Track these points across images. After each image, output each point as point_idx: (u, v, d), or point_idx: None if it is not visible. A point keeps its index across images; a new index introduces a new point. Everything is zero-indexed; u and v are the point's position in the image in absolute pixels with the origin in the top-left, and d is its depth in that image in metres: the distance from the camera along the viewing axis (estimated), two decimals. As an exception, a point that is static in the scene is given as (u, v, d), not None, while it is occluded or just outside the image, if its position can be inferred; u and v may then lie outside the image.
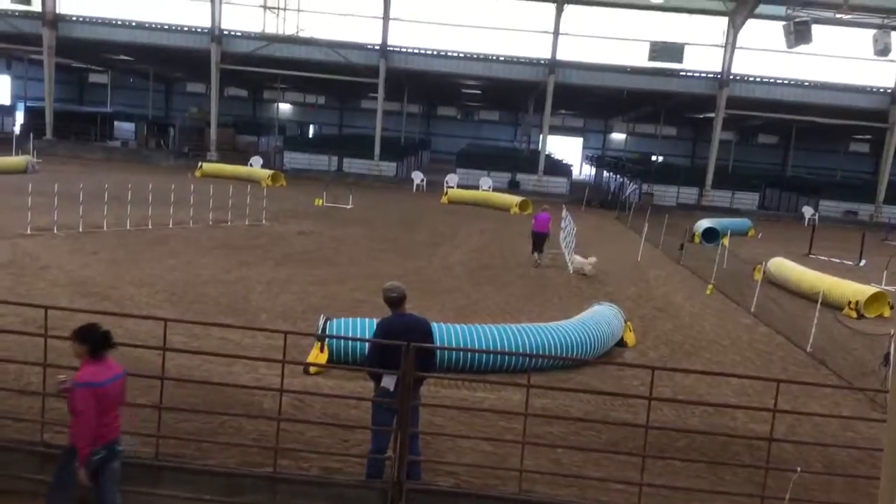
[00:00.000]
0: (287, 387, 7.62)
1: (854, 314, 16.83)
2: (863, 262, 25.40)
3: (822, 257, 25.99)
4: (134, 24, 42.09)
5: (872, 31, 35.32)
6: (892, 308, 17.53)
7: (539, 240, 20.27)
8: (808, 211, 40.26)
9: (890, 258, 22.42)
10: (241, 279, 15.34)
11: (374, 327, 7.51)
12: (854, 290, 17.68)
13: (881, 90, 41.63)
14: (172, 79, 65.67)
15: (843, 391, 11.19)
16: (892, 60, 38.99)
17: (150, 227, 20.26)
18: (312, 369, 9.97)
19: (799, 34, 33.63)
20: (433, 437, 8.00)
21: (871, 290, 17.59)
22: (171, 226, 20.78)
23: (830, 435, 9.47)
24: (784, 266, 20.46)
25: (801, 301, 17.82)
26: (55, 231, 18.25)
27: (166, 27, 42.28)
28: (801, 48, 35.02)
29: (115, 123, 54.77)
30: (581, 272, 19.46)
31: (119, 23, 42.10)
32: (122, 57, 49.67)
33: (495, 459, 7.82)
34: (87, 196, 19.84)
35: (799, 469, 7.02)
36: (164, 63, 52.20)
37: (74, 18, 42.19)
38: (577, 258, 19.84)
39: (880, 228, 37.69)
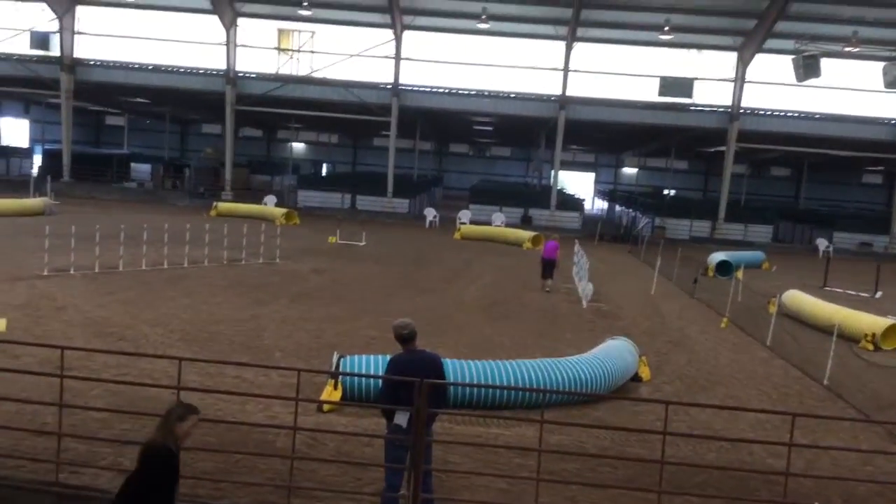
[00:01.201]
0: (301, 425, 7.64)
1: (871, 346, 16.68)
2: (879, 294, 25.20)
3: (838, 289, 25.81)
4: (150, 67, 42.88)
5: (882, 64, 35.43)
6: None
7: (547, 266, 21.39)
8: (822, 243, 40.06)
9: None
10: (255, 317, 15.41)
11: (386, 364, 7.53)
12: (870, 322, 17.51)
13: (893, 121, 41.66)
14: (188, 120, 66.66)
15: (862, 424, 11.06)
16: (902, 92, 39.14)
17: (165, 266, 20.42)
18: (326, 407, 9.97)
19: (808, 68, 33.83)
20: (447, 475, 7.96)
21: (887, 322, 17.39)
22: (186, 265, 20.93)
23: (849, 469, 9.35)
24: (799, 298, 20.34)
25: (817, 334, 17.66)
26: (72, 272, 18.44)
27: (182, 70, 43.04)
28: (811, 81, 35.18)
29: (132, 165, 55.55)
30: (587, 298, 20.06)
31: (135, 66, 42.92)
32: (139, 99, 50.51)
33: (510, 496, 7.77)
34: (104, 237, 20.05)
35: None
36: (179, 105, 53.01)
37: (92, 63, 43.05)
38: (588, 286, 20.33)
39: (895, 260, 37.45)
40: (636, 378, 12.48)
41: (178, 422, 5.23)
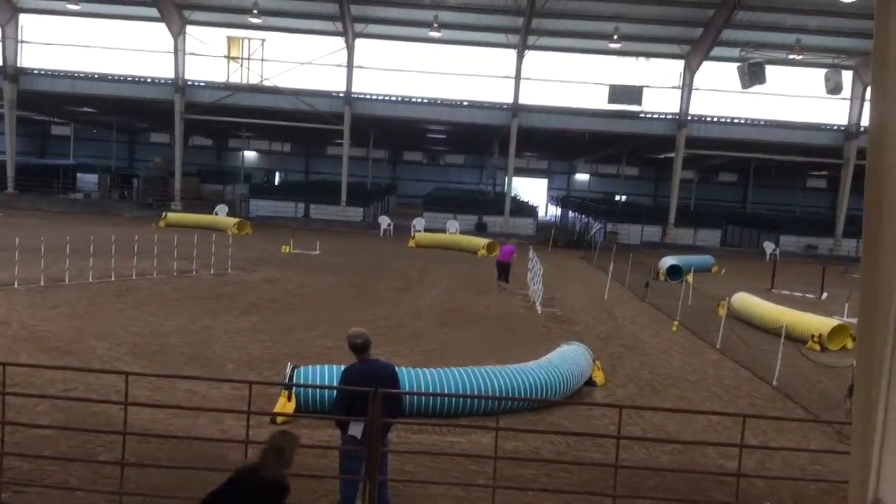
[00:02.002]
0: (254, 438, 7.51)
1: (818, 347, 17.04)
2: (824, 296, 25.81)
3: (785, 291, 26.38)
4: (97, 76, 42.13)
5: (824, 71, 36.37)
6: (854, 340, 17.77)
7: (502, 269, 22.67)
8: (769, 246, 40.95)
9: (850, 291, 22.80)
10: (206, 329, 15.16)
11: (341, 374, 7.46)
12: (817, 323, 17.91)
13: (835, 127, 42.78)
14: (136, 129, 65.51)
15: (810, 424, 11.29)
16: (844, 98, 40.24)
17: (113, 279, 19.98)
18: (280, 419, 9.83)
19: (753, 75, 34.51)
20: (403, 485, 7.91)
21: (833, 322, 17.84)
22: (134, 277, 20.52)
23: (799, 468, 9.53)
24: (747, 301, 20.73)
25: (766, 335, 18.01)
26: (16, 286, 17.94)
27: (129, 79, 42.33)
28: (757, 88, 35.96)
29: (78, 175, 54.34)
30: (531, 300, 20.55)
31: (82, 76, 42.12)
32: (86, 109, 49.54)
33: (466, 504, 7.74)
34: (49, 249, 19.57)
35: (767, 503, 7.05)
36: (127, 114, 52.14)
37: (36, 72, 42.12)
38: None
39: (840, 262, 38.38)
40: (590, 382, 12.58)
41: (294, 451, 5.20)
